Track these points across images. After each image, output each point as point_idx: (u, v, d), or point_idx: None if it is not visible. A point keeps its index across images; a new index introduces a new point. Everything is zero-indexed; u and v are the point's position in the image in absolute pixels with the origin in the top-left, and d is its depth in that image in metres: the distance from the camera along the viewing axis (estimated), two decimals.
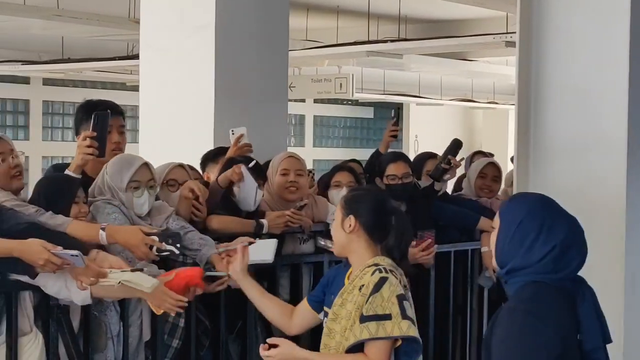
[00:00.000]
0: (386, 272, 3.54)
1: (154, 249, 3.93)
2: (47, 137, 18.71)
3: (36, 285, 3.75)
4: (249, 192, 4.84)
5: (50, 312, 3.93)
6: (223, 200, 4.86)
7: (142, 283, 3.62)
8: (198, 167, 5.40)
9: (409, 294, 3.65)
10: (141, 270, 3.76)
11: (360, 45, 10.96)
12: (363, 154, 20.83)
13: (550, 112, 5.22)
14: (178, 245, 4.00)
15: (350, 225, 3.64)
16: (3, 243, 3.54)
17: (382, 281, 3.52)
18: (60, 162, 13.14)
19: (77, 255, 3.46)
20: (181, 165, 4.87)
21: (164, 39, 6.06)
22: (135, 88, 16.94)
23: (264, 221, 4.80)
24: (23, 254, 3.50)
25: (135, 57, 11.64)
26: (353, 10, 12.15)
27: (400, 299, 3.51)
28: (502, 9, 10.28)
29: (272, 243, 4.32)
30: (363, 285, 3.53)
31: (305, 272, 5.10)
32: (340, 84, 13.99)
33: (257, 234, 4.69)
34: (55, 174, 4.38)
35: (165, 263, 4.22)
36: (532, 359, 2.82)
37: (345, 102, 22.90)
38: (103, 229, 3.94)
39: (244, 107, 5.99)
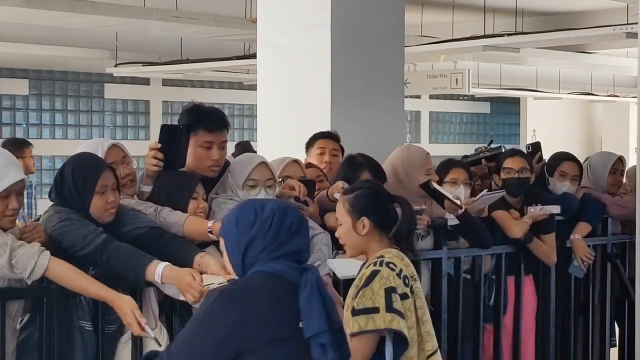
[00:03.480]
0: (380, 264, 3.59)
1: None
2: None
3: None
4: None
5: (173, 308, 4.00)
6: None
7: None
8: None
9: (417, 283, 3.70)
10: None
11: (476, 39, 10.83)
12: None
13: None
14: None
15: (363, 227, 3.69)
16: (102, 291, 3.63)
17: (373, 274, 3.58)
18: None
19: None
20: (296, 161, 4.85)
21: (281, 37, 6.11)
22: (252, 87, 17.12)
23: None
24: (115, 307, 3.60)
25: (252, 56, 11.76)
26: (468, 4, 12.02)
27: (389, 291, 3.54)
28: (622, 0, 10.04)
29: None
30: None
31: (424, 268, 5.08)
32: (456, 79, 13.87)
33: None
34: (176, 170, 4.41)
35: None
36: (205, 336, 2.82)
37: (461, 98, 22.69)
38: (210, 229, 3.95)
39: (361, 104, 6.01)
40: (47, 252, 3.58)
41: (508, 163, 5.59)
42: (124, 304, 3.57)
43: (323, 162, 5.40)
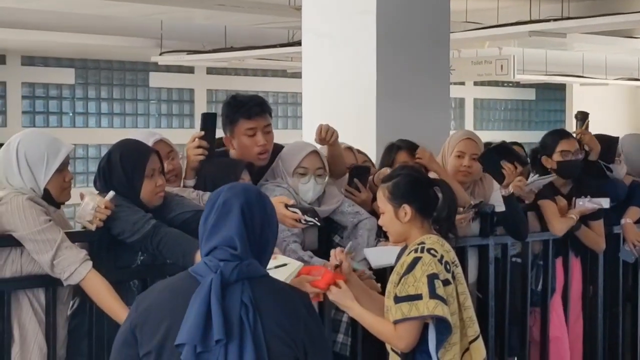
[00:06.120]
0: (422, 251, 3.55)
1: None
2: None
3: None
4: None
5: None
6: None
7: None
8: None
9: (458, 268, 3.65)
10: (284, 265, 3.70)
11: (522, 25, 10.75)
12: (525, 137, 20.57)
13: None
14: (317, 218, 3.96)
15: (405, 214, 3.64)
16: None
17: (415, 261, 3.54)
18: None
19: None
20: (349, 148, 4.86)
21: (326, 25, 6.09)
22: (296, 75, 17.12)
23: None
24: None
25: (296, 44, 11.76)
26: None
27: (431, 278, 3.50)
28: None
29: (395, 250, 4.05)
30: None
31: (471, 253, 5.07)
32: (501, 66, 13.76)
33: None
34: (221, 158, 4.44)
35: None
36: (119, 333, 2.77)
37: (505, 84, 22.56)
38: None
39: (406, 90, 5.97)
40: (90, 263, 3.60)
41: (564, 145, 5.50)
42: None
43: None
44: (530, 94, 23.60)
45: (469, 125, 22.67)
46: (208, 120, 4.36)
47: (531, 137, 21.40)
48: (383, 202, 3.72)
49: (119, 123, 18.12)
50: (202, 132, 4.30)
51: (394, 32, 5.92)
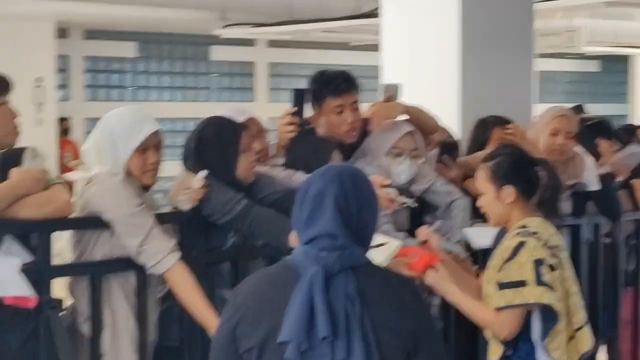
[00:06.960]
0: (526, 235, 3.41)
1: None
2: (273, 98, 19.00)
3: None
4: None
5: None
6: None
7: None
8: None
9: (563, 253, 3.52)
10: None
11: None
12: (589, 109, 20.09)
13: None
14: (411, 199, 3.82)
15: (508, 195, 3.49)
16: (212, 319, 3.37)
17: (519, 246, 3.40)
18: None
19: None
20: None
21: None
22: (359, 48, 16.91)
23: None
24: None
25: (363, 16, 11.61)
26: None
27: (537, 263, 3.36)
28: None
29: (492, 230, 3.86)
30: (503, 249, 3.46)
31: (563, 233, 4.89)
32: (571, 37, 13.53)
33: None
34: (311, 136, 4.30)
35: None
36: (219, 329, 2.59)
37: (569, 56, 22.16)
38: None
39: (489, 63, 5.85)
40: (177, 254, 3.46)
41: None
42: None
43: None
44: (594, 66, 23.16)
45: (533, 97, 22.32)
46: (300, 96, 4.22)
47: (595, 110, 20.97)
48: (484, 183, 3.57)
49: (181, 97, 18.09)
50: (294, 109, 4.17)
51: (477, 2, 5.77)
